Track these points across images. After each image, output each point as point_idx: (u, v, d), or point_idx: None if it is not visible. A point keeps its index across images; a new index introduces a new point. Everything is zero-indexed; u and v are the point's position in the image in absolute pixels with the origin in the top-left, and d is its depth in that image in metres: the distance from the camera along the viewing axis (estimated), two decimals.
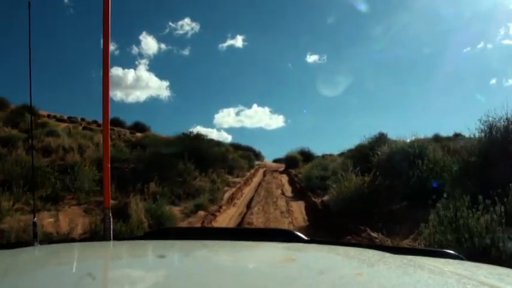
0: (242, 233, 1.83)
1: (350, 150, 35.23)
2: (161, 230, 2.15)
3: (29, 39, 1.36)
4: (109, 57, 1.45)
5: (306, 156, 31.75)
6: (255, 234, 1.49)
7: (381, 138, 13.06)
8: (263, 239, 1.29)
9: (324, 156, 35.11)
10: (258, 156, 45.96)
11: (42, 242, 1.24)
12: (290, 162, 30.61)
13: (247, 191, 15.84)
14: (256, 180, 22.20)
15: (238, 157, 23.21)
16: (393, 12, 53.33)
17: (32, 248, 1.21)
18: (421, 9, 47.29)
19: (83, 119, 40.17)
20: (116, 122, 38.32)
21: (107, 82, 1.40)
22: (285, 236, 1.32)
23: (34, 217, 1.38)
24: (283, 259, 1.03)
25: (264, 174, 25.93)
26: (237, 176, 21.19)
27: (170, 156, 16.01)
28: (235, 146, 41.44)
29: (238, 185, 17.08)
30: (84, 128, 33.08)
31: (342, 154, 34.89)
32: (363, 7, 45.31)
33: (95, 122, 41.96)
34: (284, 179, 22.56)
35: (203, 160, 17.37)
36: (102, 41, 1.41)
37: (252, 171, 28.22)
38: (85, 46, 49.98)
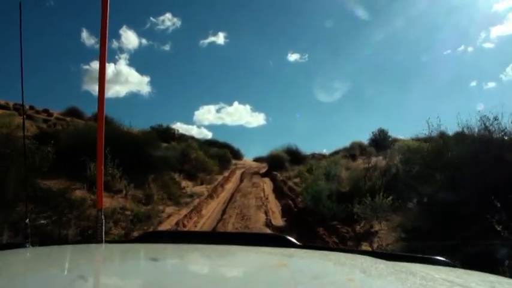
0: (235, 237, 1.66)
1: (344, 149, 28.93)
2: (154, 234, 1.86)
3: (20, 39, 1.29)
4: (105, 60, 1.34)
5: (294, 155, 25.23)
6: (248, 239, 1.44)
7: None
8: (256, 244, 1.24)
9: (314, 156, 29.00)
10: (236, 154, 39.59)
11: (34, 244, 1.19)
12: (274, 163, 24.03)
13: (208, 216, 9.11)
14: (229, 187, 15.51)
15: (204, 156, 16.38)
16: (374, 15, 49.98)
17: (24, 249, 1.15)
18: (401, 11, 44.85)
19: (31, 107, 33.54)
20: (74, 112, 31.49)
21: (102, 85, 1.32)
22: (277, 241, 1.30)
23: (26, 218, 1.33)
24: (275, 264, 1.01)
25: (241, 179, 19.23)
26: (202, 183, 14.46)
27: (74, 156, 9.23)
28: (210, 143, 35.36)
29: (197, 201, 10.39)
30: (28, 117, 26.60)
31: (336, 153, 28.93)
32: (359, 12, 41.59)
33: (45, 111, 35.12)
34: (268, 187, 15.91)
35: (142, 161, 10.61)
36: (99, 42, 1.33)
37: (227, 173, 21.49)
38: (65, 39, 45.38)
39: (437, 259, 1.19)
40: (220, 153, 25.13)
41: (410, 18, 44.58)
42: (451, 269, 1.08)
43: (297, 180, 16.16)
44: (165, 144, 25.73)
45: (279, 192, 13.59)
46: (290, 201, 10.45)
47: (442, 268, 1.07)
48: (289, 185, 14.48)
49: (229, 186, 15.80)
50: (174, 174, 13.55)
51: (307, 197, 8.11)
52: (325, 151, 30.36)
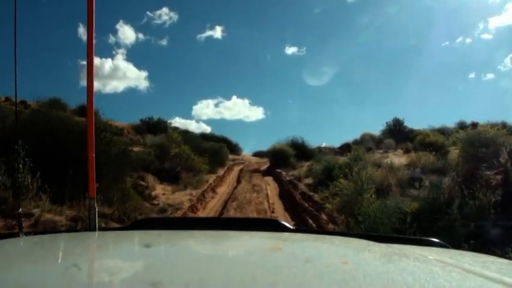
0: (228, 222, 1.66)
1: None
2: (147, 220, 1.85)
3: (14, 30, 1.31)
4: (93, 49, 1.38)
5: (300, 149, 21.55)
6: (241, 224, 1.43)
7: None
8: (249, 229, 1.21)
9: (320, 150, 25.46)
10: (234, 148, 36.22)
11: (27, 233, 1.19)
12: (277, 158, 20.33)
13: None
14: (222, 192, 11.89)
15: (190, 152, 12.58)
16: (372, 5, 50.20)
17: (17, 239, 1.14)
18: (400, 2, 44.74)
19: (7, 99, 30.57)
20: (56, 104, 27.80)
21: (91, 73, 1.36)
22: (271, 226, 1.31)
23: (19, 208, 1.43)
24: (269, 248, 0.99)
25: (239, 179, 15.59)
26: (185, 188, 10.83)
27: None
28: (206, 137, 32.06)
29: None
30: None
31: (345, 146, 25.43)
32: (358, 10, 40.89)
33: (22, 102, 31.92)
34: (272, 191, 12.27)
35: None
36: (86, 34, 1.37)
37: (222, 171, 17.87)
38: (61, 34, 44.14)
39: (431, 240, 1.17)
40: (215, 147, 21.47)
41: (408, 9, 45.48)
42: (444, 250, 1.06)
43: (309, 181, 12.53)
44: (149, 136, 22.01)
45: (289, 200, 9.97)
46: (310, 220, 6.82)
47: (435, 249, 1.06)
48: (302, 189, 10.84)
49: (223, 191, 12.15)
50: (146, 177, 9.92)
51: (357, 226, 4.40)
52: (325, 144, 26.75)
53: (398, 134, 26.42)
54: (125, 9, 46.77)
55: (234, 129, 53.68)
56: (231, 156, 29.94)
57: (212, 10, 56.22)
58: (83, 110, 29.22)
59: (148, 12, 53.33)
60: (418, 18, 47.88)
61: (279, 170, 17.66)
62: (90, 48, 1.36)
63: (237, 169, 21.67)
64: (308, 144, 23.59)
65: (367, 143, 25.34)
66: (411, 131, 27.01)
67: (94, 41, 1.37)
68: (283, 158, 19.80)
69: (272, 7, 53.70)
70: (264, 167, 23.23)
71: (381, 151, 22.22)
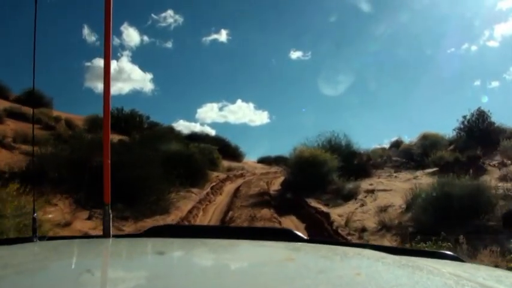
0: (242, 231, 1.61)
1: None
2: (161, 228, 1.69)
3: (34, 28, 1.26)
4: (110, 54, 1.33)
5: (343, 155, 11.44)
6: (254, 233, 1.38)
7: None
8: (263, 238, 1.20)
9: (369, 159, 15.54)
10: (234, 153, 26.97)
11: (41, 238, 1.12)
12: (302, 172, 10.31)
13: None
14: None
15: None
16: (377, 12, 47.30)
17: (31, 244, 1.09)
18: (405, 9, 43.76)
19: None
20: None
21: (108, 78, 1.32)
22: (284, 235, 1.27)
23: (34, 213, 1.30)
24: (282, 258, 0.97)
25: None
26: None
27: None
28: (190, 137, 23.07)
29: None
30: None
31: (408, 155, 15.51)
32: (363, 5, 40.64)
33: None
34: None
35: None
36: (103, 39, 1.33)
37: (189, 205, 7.89)
38: (66, 36, 42.76)
39: (445, 253, 1.15)
40: (186, 153, 11.53)
41: (414, 15, 43.53)
42: (458, 263, 1.04)
43: None
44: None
45: None
46: None
47: (449, 262, 1.03)
48: None
49: None
50: None
51: None
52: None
53: (482, 134, 16.17)
54: (129, 12, 46.00)
55: (238, 133, 50.92)
56: (227, 164, 20.11)
57: (217, 13, 54.37)
58: (29, 98, 19.66)
59: (153, 15, 52.20)
60: (424, 25, 46.58)
61: (313, 204, 7.71)
62: (107, 56, 1.31)
63: (227, 191, 11.74)
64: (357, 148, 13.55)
65: (441, 147, 15.31)
66: (502, 129, 16.84)
67: (111, 47, 1.32)
68: (314, 174, 9.82)
69: (278, 11, 51.80)
70: (276, 184, 13.43)
71: (494, 162, 12.11)
